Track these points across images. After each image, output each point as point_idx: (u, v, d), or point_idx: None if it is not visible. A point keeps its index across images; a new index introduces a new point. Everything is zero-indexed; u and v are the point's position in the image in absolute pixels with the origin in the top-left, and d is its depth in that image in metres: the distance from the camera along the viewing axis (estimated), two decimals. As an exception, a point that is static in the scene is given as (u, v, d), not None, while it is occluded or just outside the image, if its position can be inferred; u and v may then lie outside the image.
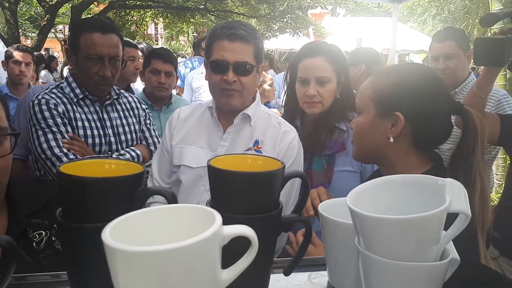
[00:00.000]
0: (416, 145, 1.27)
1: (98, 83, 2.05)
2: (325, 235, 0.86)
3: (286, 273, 0.85)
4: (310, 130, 2.00)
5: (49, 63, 10.15)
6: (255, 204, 0.74)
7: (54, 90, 2.08)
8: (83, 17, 9.83)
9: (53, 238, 1.17)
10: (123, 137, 2.18)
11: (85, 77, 2.05)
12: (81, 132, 2.04)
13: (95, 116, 2.10)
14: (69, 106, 2.04)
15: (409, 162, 1.27)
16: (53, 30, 10.72)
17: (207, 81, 1.87)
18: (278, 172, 0.76)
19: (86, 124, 2.07)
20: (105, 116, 2.14)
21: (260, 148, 1.82)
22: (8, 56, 4.03)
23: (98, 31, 2.01)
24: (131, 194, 0.70)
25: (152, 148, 2.34)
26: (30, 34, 16.52)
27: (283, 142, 1.82)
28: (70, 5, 10.53)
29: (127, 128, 2.22)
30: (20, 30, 10.52)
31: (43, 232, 1.16)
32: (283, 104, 2.30)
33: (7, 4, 9.00)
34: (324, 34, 11.88)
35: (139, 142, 2.29)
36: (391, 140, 1.25)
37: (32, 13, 15.81)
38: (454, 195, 0.66)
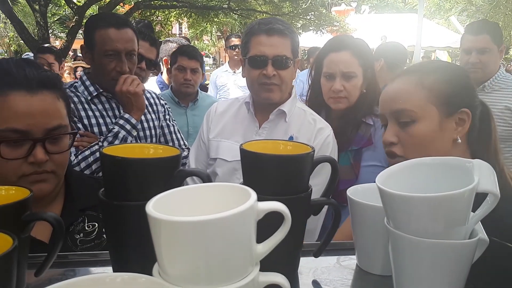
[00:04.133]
0: (467, 142, 1.20)
1: (116, 79, 2.01)
2: (353, 218, 0.88)
3: (316, 255, 0.88)
4: (336, 125, 2.01)
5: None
6: (285, 186, 0.77)
7: (67, 90, 2.09)
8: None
9: (103, 231, 1.22)
10: (141, 133, 2.17)
11: (102, 74, 2.03)
12: (95, 129, 2.02)
13: (110, 113, 2.08)
14: (79, 106, 2.01)
15: None
16: (81, 31, 10.95)
17: (245, 77, 1.91)
18: (308, 156, 0.78)
19: (101, 121, 2.05)
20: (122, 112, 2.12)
21: None
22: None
23: (112, 26, 1.98)
24: (168, 174, 0.74)
25: (170, 144, 2.33)
26: (59, 35, 16.98)
27: (317, 139, 1.85)
28: (97, 6, 10.77)
29: (145, 124, 2.20)
30: (49, 31, 10.80)
31: (96, 224, 1.22)
32: (307, 99, 2.31)
33: (37, 7, 9.26)
34: (348, 31, 11.79)
35: (158, 138, 2.30)
36: (459, 140, 1.16)
37: (61, 13, 16.23)
38: (483, 175, 0.67)
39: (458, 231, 0.67)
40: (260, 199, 0.69)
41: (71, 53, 12.62)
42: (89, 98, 2.05)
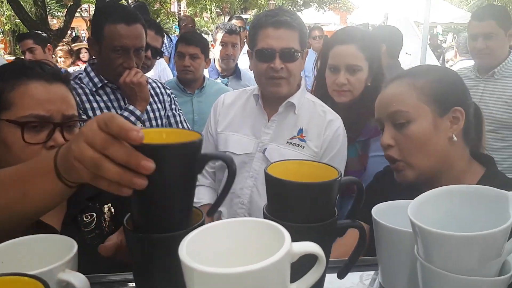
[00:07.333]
0: (465, 139, 1.23)
1: (122, 74, 2.00)
2: (378, 240, 0.87)
3: (340, 276, 0.87)
4: (343, 117, 1.99)
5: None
6: (312, 214, 0.76)
7: (71, 82, 2.07)
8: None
9: (102, 220, 1.27)
10: (147, 124, 2.16)
11: (108, 68, 2.02)
12: None
13: (115, 104, 2.07)
14: (84, 97, 2.00)
15: (465, 160, 1.23)
16: (79, 10, 10.77)
17: (252, 70, 1.88)
18: (336, 182, 0.77)
19: (106, 112, 2.03)
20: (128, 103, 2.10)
21: (304, 136, 1.83)
22: None
23: (122, 21, 1.95)
24: (191, 159, 0.70)
25: None
26: (56, 14, 16.71)
27: (327, 131, 1.83)
28: (95, -16, 10.59)
29: (151, 114, 2.19)
30: (47, 9, 10.63)
31: (94, 214, 1.26)
32: (313, 88, 2.28)
33: (34, -14, 9.10)
34: (350, 8, 11.58)
35: (165, 128, 2.29)
36: (455, 138, 1.18)
37: (58, -8, 15.99)
38: (519, 209, 0.66)
39: (492, 266, 0.66)
40: (285, 226, 0.68)
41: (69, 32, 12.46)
42: (93, 89, 2.04)
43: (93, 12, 2.14)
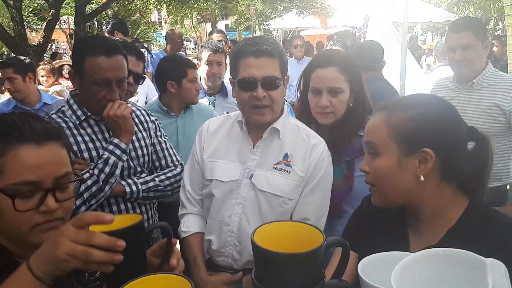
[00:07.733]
0: (446, 178, 1.23)
1: (105, 106, 1.98)
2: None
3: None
4: (327, 138, 2.01)
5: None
6: (301, 281, 0.77)
7: (54, 116, 2.04)
8: (87, 8, 9.80)
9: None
10: (133, 154, 2.14)
11: (91, 100, 1.99)
12: (85, 155, 2.00)
13: (100, 136, 2.06)
14: (68, 131, 1.98)
15: (442, 197, 1.23)
16: (58, 22, 10.64)
17: (235, 98, 1.91)
18: (321, 248, 0.79)
19: (91, 145, 2.02)
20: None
21: (290, 161, 1.86)
22: None
23: (103, 54, 1.92)
24: (143, 232, 1.02)
25: (163, 162, 2.33)
26: (35, 27, 16.46)
27: (312, 155, 1.87)
28: (74, -2, 10.48)
29: (137, 144, 2.18)
30: (25, 23, 10.47)
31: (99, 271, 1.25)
32: (296, 110, 2.30)
33: (11, 2, 8.95)
34: (330, 12, 11.66)
35: (150, 156, 2.28)
36: (422, 179, 1.18)
37: (35, 5, 15.72)
38: (496, 278, 0.68)
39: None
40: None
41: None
42: (77, 122, 2.03)
43: (73, 45, 2.11)
